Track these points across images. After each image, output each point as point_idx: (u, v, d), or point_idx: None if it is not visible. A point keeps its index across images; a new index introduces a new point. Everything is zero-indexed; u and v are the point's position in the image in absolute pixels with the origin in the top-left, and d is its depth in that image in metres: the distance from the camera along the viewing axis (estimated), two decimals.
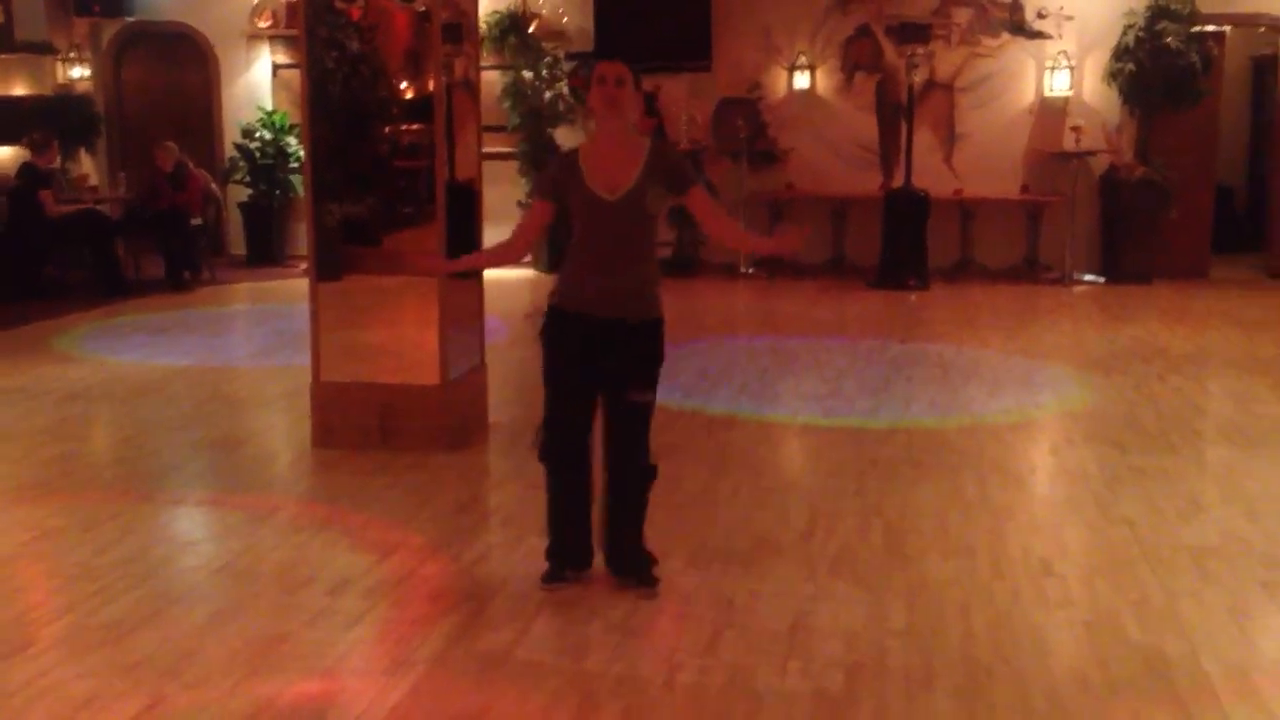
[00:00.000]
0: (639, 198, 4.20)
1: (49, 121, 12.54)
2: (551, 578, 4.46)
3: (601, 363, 4.30)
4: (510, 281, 11.97)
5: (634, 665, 3.86)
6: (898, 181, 12.35)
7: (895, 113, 12.69)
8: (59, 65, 13.55)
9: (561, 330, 4.33)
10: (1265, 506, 5.46)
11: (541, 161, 12.74)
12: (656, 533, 4.95)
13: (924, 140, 12.55)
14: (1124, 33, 12.17)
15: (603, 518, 4.47)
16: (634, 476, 4.40)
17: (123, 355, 8.76)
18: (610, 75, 4.22)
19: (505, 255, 4.64)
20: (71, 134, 13.18)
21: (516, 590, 4.45)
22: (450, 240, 6.15)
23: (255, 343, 9.94)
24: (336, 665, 3.87)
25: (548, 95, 12.80)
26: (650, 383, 4.33)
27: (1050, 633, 4.12)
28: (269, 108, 13.75)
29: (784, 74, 12.99)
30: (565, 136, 13.01)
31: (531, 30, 12.93)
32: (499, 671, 3.83)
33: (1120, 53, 12.18)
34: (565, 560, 4.49)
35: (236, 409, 7.40)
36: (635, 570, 4.44)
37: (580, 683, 3.75)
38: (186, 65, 14.17)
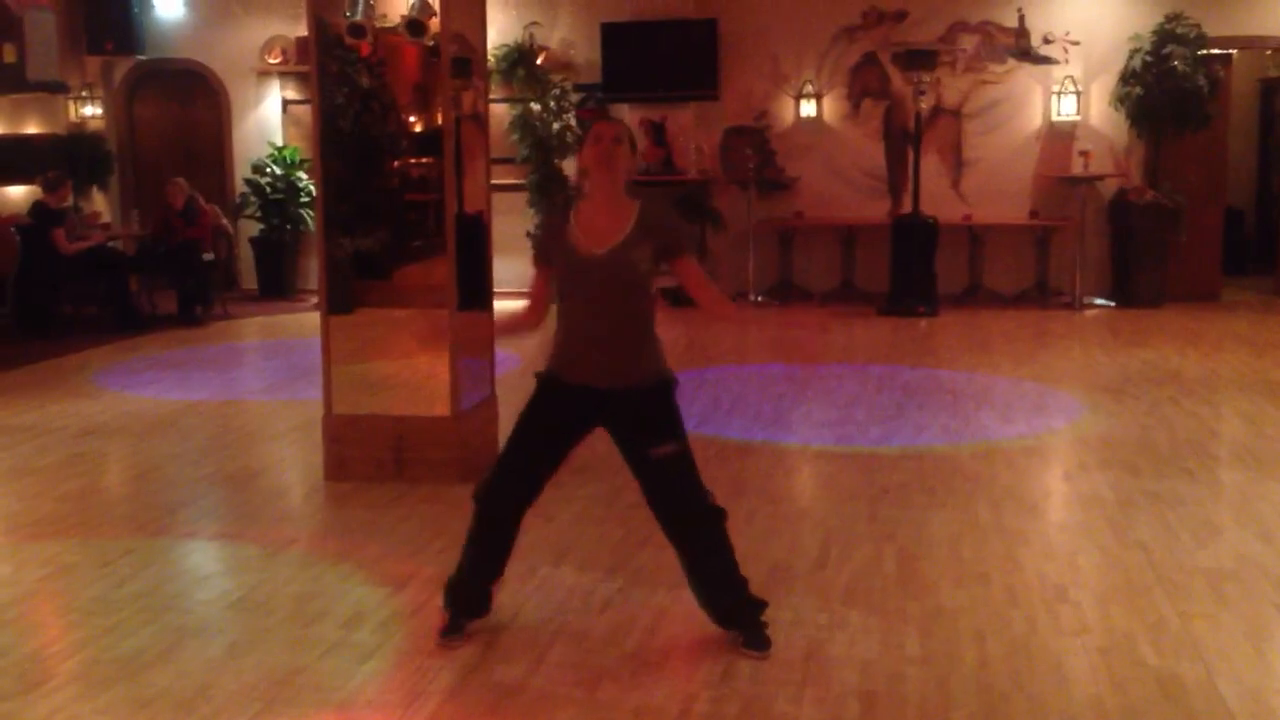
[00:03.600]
0: (627, 253, 4.05)
1: (62, 160, 12.64)
2: (451, 631, 4.25)
3: (611, 433, 4.18)
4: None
5: (649, 695, 3.85)
6: (906, 208, 12.37)
7: (903, 139, 12.73)
8: (71, 104, 13.65)
9: (553, 393, 4.19)
10: None
11: (550, 192, 12.81)
12: (671, 561, 4.95)
13: (932, 166, 12.58)
14: (1130, 57, 12.20)
15: (696, 593, 4.27)
16: (698, 529, 4.17)
17: (136, 390, 8.80)
18: (608, 134, 4.12)
19: (523, 324, 4.35)
20: (84, 172, 13.28)
21: (530, 621, 4.45)
22: (460, 273, 6.19)
23: (267, 376, 9.97)
24: (352, 698, 3.88)
25: (556, 127, 12.86)
26: (668, 434, 4.11)
27: (1066, 658, 4.10)
28: (279, 143, 13.84)
29: (791, 102, 13.05)
30: (573, 168, 13.03)
31: (539, 63, 13.01)
32: (514, 703, 3.83)
33: (1127, 77, 12.22)
34: (462, 608, 4.29)
35: (249, 443, 7.43)
36: (742, 622, 4.21)
37: (595, 713, 3.74)
38: (198, 102, 14.28)
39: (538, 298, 4.30)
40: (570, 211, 4.19)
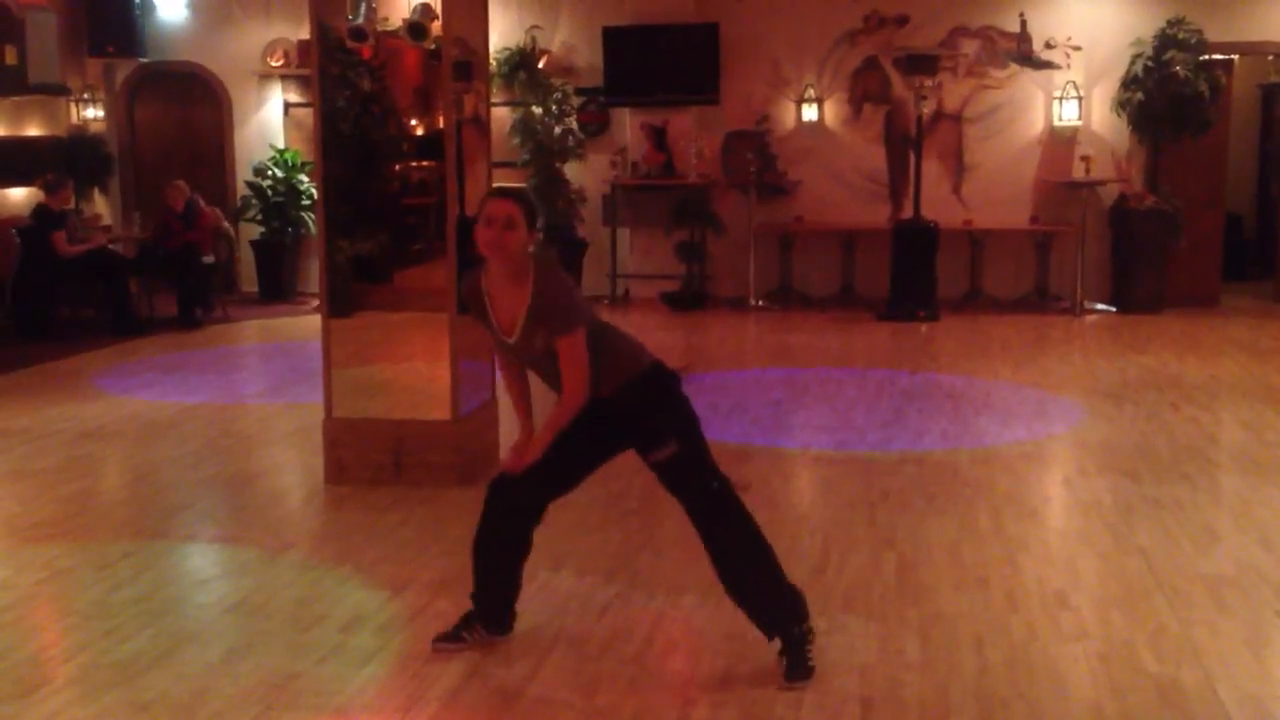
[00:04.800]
0: (531, 340, 3.97)
1: (63, 162, 12.64)
2: (450, 638, 4.21)
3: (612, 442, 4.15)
4: None
5: (648, 701, 3.85)
6: (907, 212, 12.37)
7: (903, 144, 12.73)
8: (73, 106, 13.63)
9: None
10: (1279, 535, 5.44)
11: (549, 195, 12.81)
12: (670, 566, 4.95)
13: (933, 171, 12.57)
14: (1132, 62, 12.20)
15: (734, 599, 4.09)
16: (712, 516, 4.03)
17: (135, 393, 8.79)
18: (499, 216, 3.88)
19: (519, 391, 4.22)
20: (85, 174, 13.27)
21: (529, 626, 4.44)
22: (461, 276, 6.17)
23: (267, 380, 9.96)
24: (350, 703, 3.87)
25: (557, 130, 12.87)
26: (659, 436, 4.00)
27: (1066, 664, 4.10)
28: (281, 146, 13.84)
29: (792, 106, 13.05)
30: (574, 171, 13.08)
31: (541, 66, 13.01)
32: (513, 708, 3.82)
33: (1128, 82, 12.22)
34: (484, 615, 4.23)
35: (248, 446, 7.42)
36: (781, 632, 4.01)
37: (593, 719, 3.73)
38: (199, 105, 14.28)
39: (499, 361, 4.25)
40: (479, 277, 4.06)
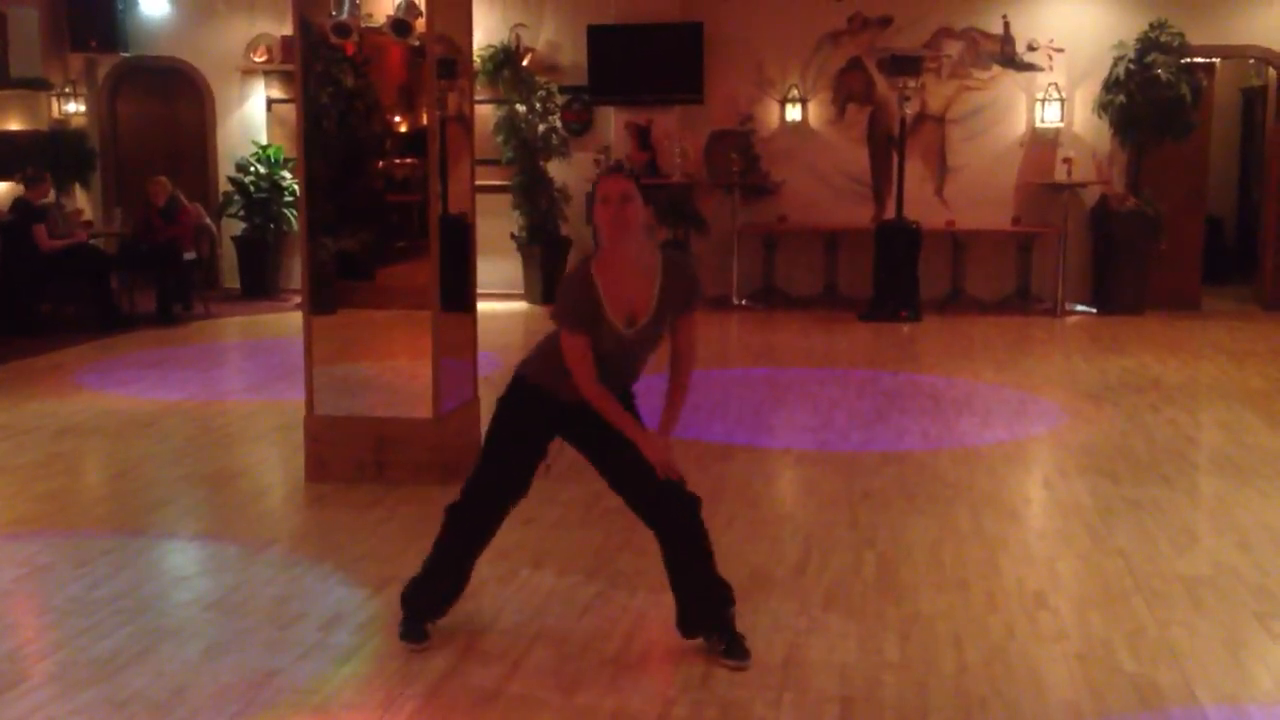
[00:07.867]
0: (657, 327, 3.92)
1: (44, 157, 12.57)
2: (417, 636, 4.22)
3: (575, 438, 4.15)
4: (502, 315, 12.00)
5: (627, 700, 3.85)
6: (889, 213, 12.41)
7: (887, 145, 12.76)
8: (54, 100, 13.59)
9: (528, 402, 4.10)
10: (1257, 537, 5.47)
11: (533, 193, 12.80)
12: (651, 565, 4.96)
13: (915, 172, 12.60)
14: (1114, 65, 12.25)
15: (672, 584, 4.15)
16: (679, 515, 4.07)
17: (116, 390, 8.76)
18: (614, 193, 3.83)
19: (603, 394, 4.00)
20: (66, 169, 13.21)
21: (509, 624, 4.44)
22: (444, 274, 6.18)
23: (249, 376, 9.94)
24: (329, 701, 3.87)
25: (541, 128, 12.86)
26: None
27: (1044, 664, 4.12)
28: (263, 142, 13.80)
29: (776, 106, 13.07)
30: (557, 169, 13.06)
31: (525, 64, 13.00)
32: (492, 706, 3.82)
33: (1110, 85, 12.26)
34: (427, 613, 4.24)
35: (230, 443, 7.40)
36: (715, 615, 4.10)
37: (573, 718, 3.74)
38: (182, 100, 14.23)
39: (586, 368, 3.93)
40: (591, 270, 3.92)
